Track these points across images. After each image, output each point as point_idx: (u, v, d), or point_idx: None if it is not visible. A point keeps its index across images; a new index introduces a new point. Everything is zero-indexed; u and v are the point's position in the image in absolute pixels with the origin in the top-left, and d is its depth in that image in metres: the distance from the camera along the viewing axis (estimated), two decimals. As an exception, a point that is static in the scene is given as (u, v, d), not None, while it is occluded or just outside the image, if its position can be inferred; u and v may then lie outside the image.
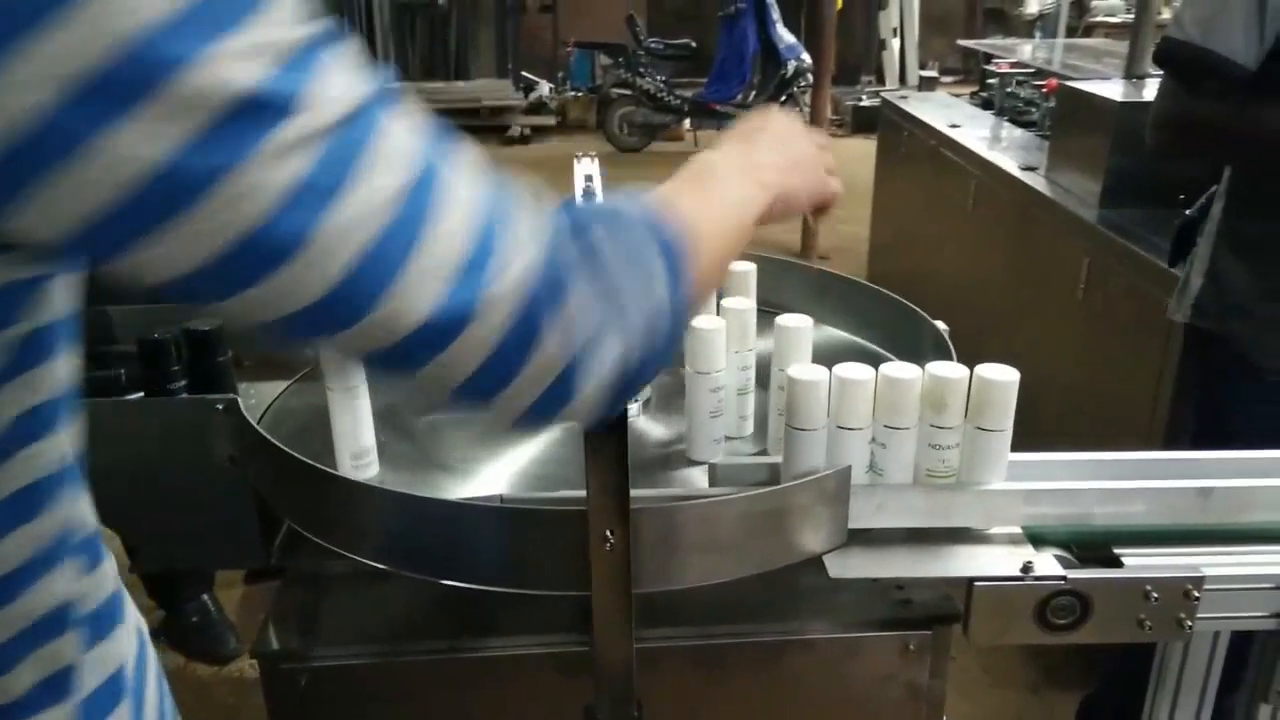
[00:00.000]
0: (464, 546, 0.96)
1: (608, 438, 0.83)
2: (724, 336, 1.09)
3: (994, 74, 4.23)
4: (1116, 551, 1.00)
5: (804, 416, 0.94)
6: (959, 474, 0.97)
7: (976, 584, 0.95)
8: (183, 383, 1.18)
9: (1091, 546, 1.00)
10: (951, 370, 0.93)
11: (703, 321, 1.09)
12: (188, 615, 2.38)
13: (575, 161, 1.57)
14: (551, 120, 9.16)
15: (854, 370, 0.93)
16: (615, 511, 0.86)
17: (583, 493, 0.92)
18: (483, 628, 1.09)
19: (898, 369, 0.93)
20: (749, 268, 1.33)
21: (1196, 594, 0.95)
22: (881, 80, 9.66)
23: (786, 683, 1.10)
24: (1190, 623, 0.96)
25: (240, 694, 2.26)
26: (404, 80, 9.41)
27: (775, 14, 7.90)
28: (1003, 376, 0.92)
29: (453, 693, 1.10)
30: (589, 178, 1.47)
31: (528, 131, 8.80)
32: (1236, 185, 1.62)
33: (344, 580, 1.16)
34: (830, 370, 0.94)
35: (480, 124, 8.86)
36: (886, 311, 1.44)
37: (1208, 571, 0.96)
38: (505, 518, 0.95)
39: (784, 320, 1.14)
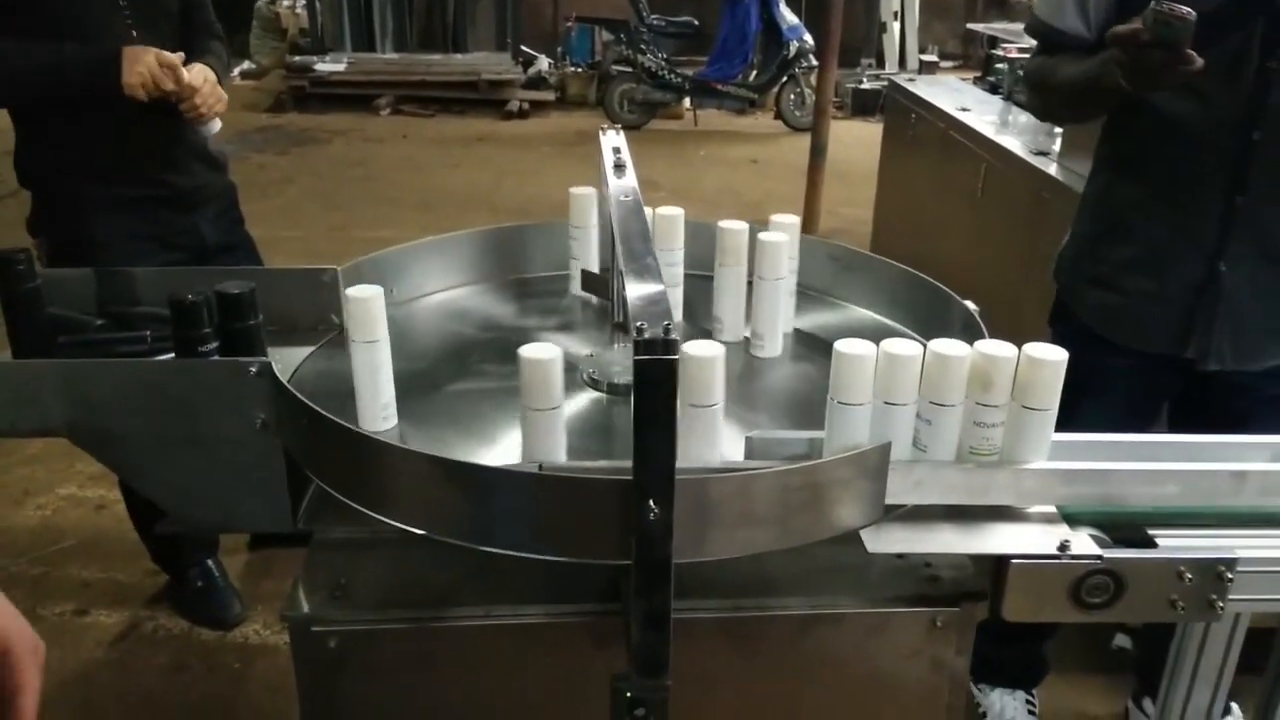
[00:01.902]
0: (501, 513, 0.96)
1: (657, 408, 0.83)
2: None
3: (1001, 58, 4.22)
4: (1150, 532, 1.01)
5: (849, 391, 0.94)
6: (1002, 452, 0.97)
7: (1013, 561, 0.96)
8: (214, 345, 1.17)
9: (1126, 527, 1.01)
10: (1000, 349, 0.93)
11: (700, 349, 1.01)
12: (191, 580, 2.38)
13: (601, 134, 1.57)
14: (551, 96, 9.09)
15: (901, 346, 0.93)
16: (661, 482, 0.86)
17: (617, 463, 0.93)
18: (514, 595, 1.09)
19: (947, 345, 0.93)
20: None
21: (1230, 575, 0.96)
22: (881, 64, 9.62)
23: (814, 656, 1.11)
24: (1222, 604, 0.97)
25: (246, 659, 2.26)
26: (401, 52, 9.32)
27: (779, -7, 7.87)
28: (1051, 356, 0.92)
29: (482, 659, 1.10)
30: (617, 150, 1.47)
31: (526, 106, 8.74)
32: (1095, 153, 1.78)
33: (372, 546, 1.16)
34: (877, 346, 0.94)
35: (478, 98, 8.80)
36: (913, 291, 1.45)
37: (1240, 554, 0.97)
38: (546, 485, 0.95)
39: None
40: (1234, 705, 2.03)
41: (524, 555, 0.96)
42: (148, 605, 2.42)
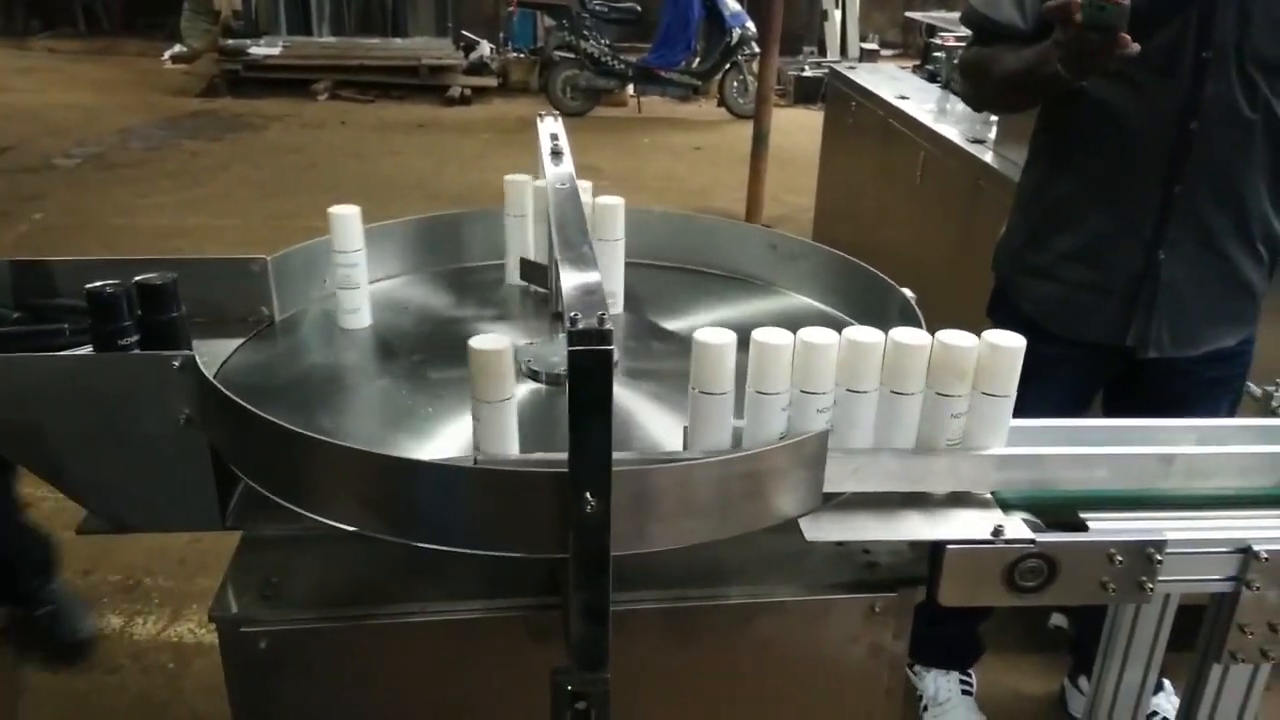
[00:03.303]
0: (437, 508, 0.94)
1: (592, 400, 0.82)
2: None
3: (939, 47, 4.26)
4: (1082, 516, 1.02)
5: (767, 381, 0.94)
6: (963, 439, 0.98)
7: (949, 547, 0.97)
8: (135, 338, 1.13)
9: (1058, 511, 1.03)
10: (963, 339, 0.93)
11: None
12: (40, 604, 2.22)
13: (539, 121, 1.55)
14: (493, 81, 9.00)
15: (819, 334, 0.93)
16: (597, 474, 0.85)
17: (554, 455, 0.91)
18: (450, 591, 1.07)
19: (908, 334, 0.94)
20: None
21: (1159, 557, 0.98)
22: (823, 51, 9.69)
23: (755, 644, 1.11)
24: (1151, 585, 0.99)
25: (181, 659, 2.21)
26: (339, 35, 9.19)
27: (721, -20, 7.87)
28: (1011, 343, 0.93)
29: (419, 657, 1.08)
30: (554, 136, 1.45)
31: (468, 92, 8.64)
32: (1029, 146, 1.81)
33: (303, 543, 1.14)
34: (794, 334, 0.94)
35: (419, 83, 8.68)
36: (851, 279, 1.45)
37: (1169, 535, 0.99)
38: (482, 479, 0.93)
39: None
40: (1166, 681, 2.09)
41: (460, 551, 0.94)
42: (77, 606, 2.34)
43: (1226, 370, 1.70)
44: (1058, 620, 2.36)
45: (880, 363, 0.95)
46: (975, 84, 1.81)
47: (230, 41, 8.72)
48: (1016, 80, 1.63)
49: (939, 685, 2.12)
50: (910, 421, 0.98)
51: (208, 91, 8.36)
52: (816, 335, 0.94)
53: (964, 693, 2.13)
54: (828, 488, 0.99)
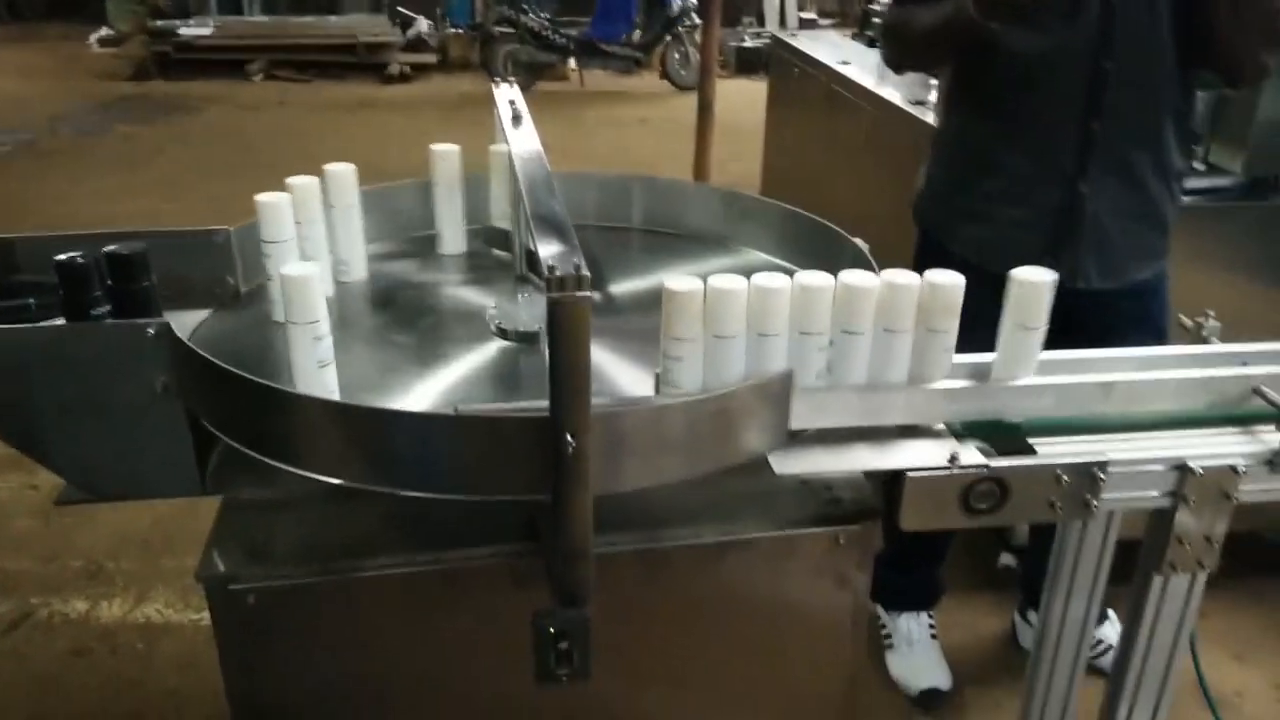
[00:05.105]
0: (421, 456, 0.98)
1: (571, 340, 0.85)
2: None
3: (877, 13, 4.32)
4: (1030, 441, 1.08)
5: (724, 324, 0.98)
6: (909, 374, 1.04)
7: (909, 475, 1.02)
8: (106, 308, 1.13)
9: (1008, 438, 1.09)
10: (907, 277, 0.99)
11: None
12: None
13: (494, 88, 1.57)
14: (432, 59, 8.91)
15: (773, 279, 0.98)
16: (577, 415, 0.89)
17: (531, 403, 0.95)
18: (433, 541, 1.11)
19: (856, 276, 0.99)
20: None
21: (1102, 476, 1.04)
22: (762, 22, 9.72)
23: (728, 581, 1.16)
24: (1096, 503, 1.06)
25: (150, 639, 2.21)
26: (271, 15, 8.97)
27: (659, -48, 7.86)
28: (950, 280, 0.98)
29: (404, 607, 1.12)
30: (512, 102, 1.48)
31: (408, 70, 8.54)
32: (944, 99, 1.91)
33: (284, 504, 1.16)
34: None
35: (356, 61, 8.56)
36: (804, 232, 1.50)
37: (1111, 456, 1.06)
38: (463, 426, 0.96)
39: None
40: (1111, 612, 2.19)
41: (445, 498, 0.97)
42: (40, 592, 2.33)
43: (1149, 304, 1.82)
44: (1006, 560, 2.46)
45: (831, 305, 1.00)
46: (896, 44, 1.88)
47: (159, 23, 8.51)
48: (934, 33, 1.70)
49: (910, 627, 2.23)
50: (865, 359, 1.03)
51: (138, 74, 8.16)
52: (771, 280, 0.98)
53: (931, 634, 2.24)
54: (794, 425, 1.04)
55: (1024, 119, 1.72)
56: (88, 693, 2.07)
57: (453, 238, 1.58)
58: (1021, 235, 1.76)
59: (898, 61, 1.96)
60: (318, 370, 1.09)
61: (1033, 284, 1.04)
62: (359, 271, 1.48)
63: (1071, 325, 1.85)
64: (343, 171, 1.45)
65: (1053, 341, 1.08)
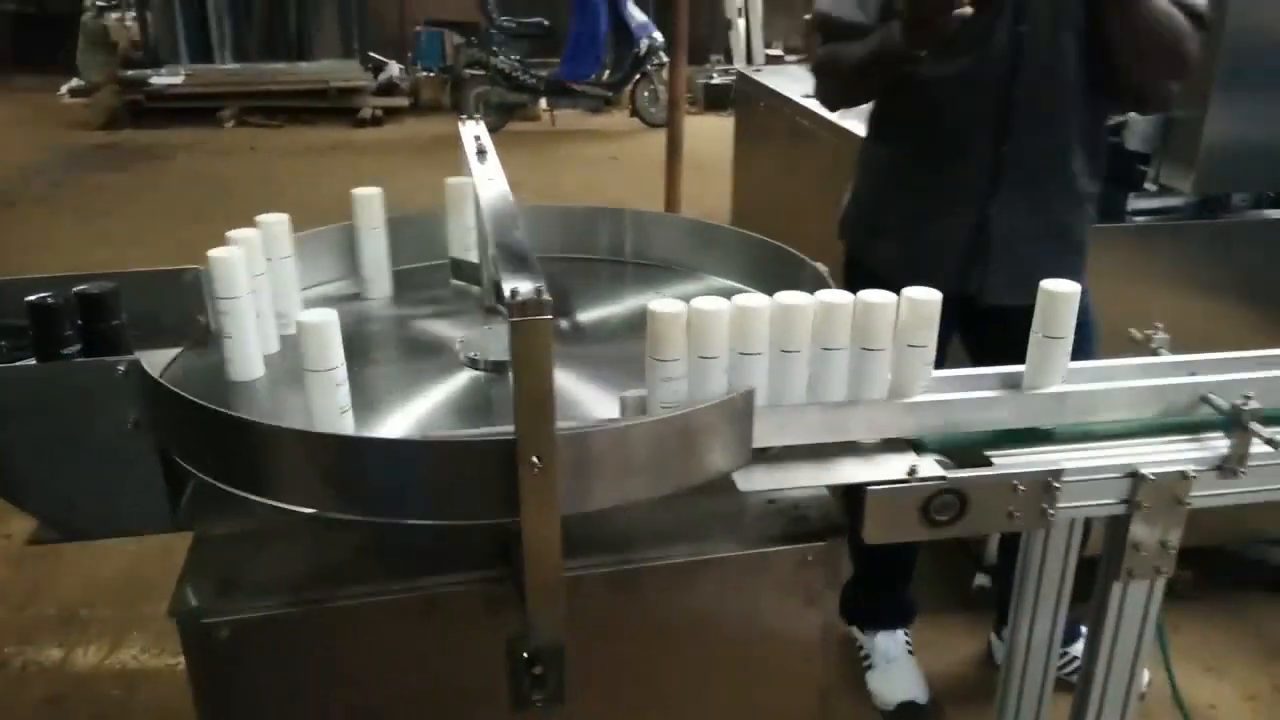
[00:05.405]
0: (391, 483, 0.99)
1: (534, 362, 0.88)
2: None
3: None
4: (987, 454, 1.11)
5: (708, 344, 1.01)
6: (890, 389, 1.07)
7: (869, 489, 1.05)
8: (77, 347, 1.15)
9: (966, 451, 1.12)
10: (883, 297, 1.02)
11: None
12: None
13: (460, 125, 1.60)
14: (404, 101, 8.98)
15: (753, 299, 1.01)
16: (542, 437, 0.91)
17: (500, 428, 0.97)
18: (404, 570, 1.12)
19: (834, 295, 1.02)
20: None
21: (1057, 485, 1.07)
22: (730, 59, 9.88)
23: (699, 600, 1.17)
24: (1052, 511, 1.08)
25: (128, 686, 2.19)
26: (242, 62, 8.96)
27: (626, -8, 7.99)
28: (928, 296, 1.03)
29: (377, 636, 1.12)
30: (478, 137, 1.51)
31: (380, 113, 8.60)
32: (868, 124, 1.98)
33: (256, 537, 1.16)
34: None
35: (328, 106, 8.61)
36: (766, 257, 1.53)
37: (1065, 465, 1.09)
38: (432, 451, 0.98)
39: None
40: (1083, 629, 2.21)
41: (416, 523, 0.99)
42: (14, 641, 2.30)
43: None
44: (981, 581, 2.49)
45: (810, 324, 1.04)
46: (828, 80, 1.95)
47: (130, 72, 8.54)
48: (864, 65, 1.77)
49: (887, 645, 2.26)
50: (842, 377, 1.06)
51: (109, 124, 8.17)
52: (751, 300, 1.02)
53: (908, 651, 2.27)
54: (757, 443, 1.06)
55: (939, 143, 1.81)
56: (63, 743, 2.05)
57: (379, 281, 1.57)
58: (936, 253, 1.84)
59: (832, 97, 2.02)
60: (339, 417, 1.08)
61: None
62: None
63: (988, 339, 1.93)
64: (275, 222, 1.41)
65: (975, 358, 1.13)
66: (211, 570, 1.12)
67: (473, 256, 1.58)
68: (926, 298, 1.04)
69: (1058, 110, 1.75)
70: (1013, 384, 1.14)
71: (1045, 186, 1.80)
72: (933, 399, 1.10)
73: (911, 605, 2.30)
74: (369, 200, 1.55)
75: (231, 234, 1.35)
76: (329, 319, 1.06)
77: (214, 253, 1.27)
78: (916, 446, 1.11)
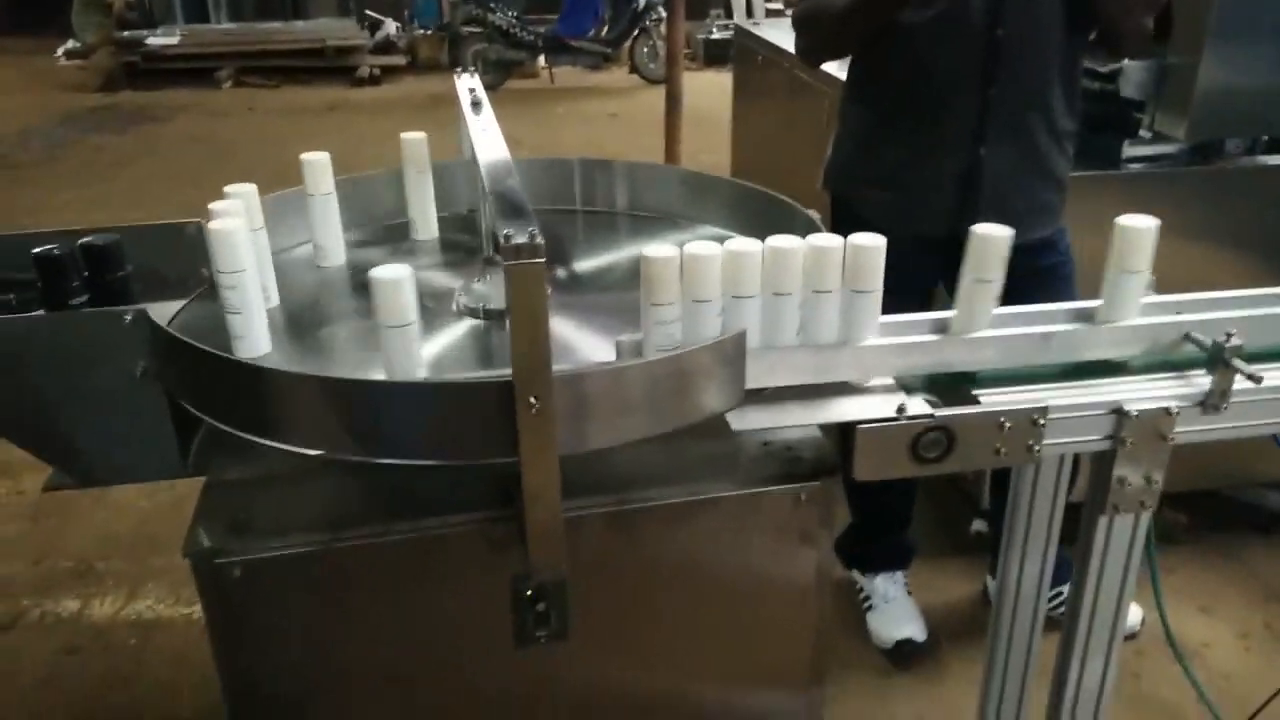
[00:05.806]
0: (395, 425, 1.02)
1: (529, 305, 0.90)
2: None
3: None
4: (974, 392, 1.14)
5: (701, 288, 1.03)
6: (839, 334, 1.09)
7: (859, 427, 1.08)
8: (84, 298, 1.17)
9: (953, 390, 1.14)
10: (830, 240, 1.04)
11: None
12: None
13: (456, 78, 1.61)
14: (402, 60, 8.92)
15: (743, 244, 1.03)
16: (539, 378, 0.94)
17: (492, 372, 0.99)
18: (410, 511, 1.15)
19: (785, 240, 1.04)
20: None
21: (1042, 421, 1.10)
22: (729, 14, 9.77)
23: (697, 540, 1.21)
24: (1038, 447, 1.11)
25: (143, 634, 2.24)
26: (238, 22, 8.93)
27: (623, -53, 7.90)
28: (872, 242, 1.04)
29: (385, 576, 1.16)
30: (472, 89, 1.52)
31: (377, 72, 8.55)
32: (849, 74, 2.00)
33: (266, 481, 1.20)
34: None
35: (325, 65, 8.56)
36: (758, 205, 1.55)
37: (1051, 403, 1.11)
38: (436, 393, 1.01)
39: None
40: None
41: (419, 463, 1.02)
42: (31, 594, 2.36)
43: (1054, 258, 1.93)
44: (978, 526, 2.53)
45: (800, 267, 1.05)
46: (809, 32, 1.94)
47: (126, 33, 8.48)
48: (847, 13, 1.77)
49: (886, 587, 2.31)
50: (834, 319, 1.08)
51: (106, 85, 8.14)
52: (743, 244, 1.04)
53: (906, 592, 2.33)
54: (750, 384, 1.09)
55: (926, 90, 1.82)
56: (82, 690, 2.10)
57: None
58: (927, 196, 1.86)
59: (813, 50, 2.01)
60: (415, 372, 1.08)
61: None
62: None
63: None
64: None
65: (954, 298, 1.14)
66: (223, 513, 1.15)
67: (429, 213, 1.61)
68: (874, 243, 1.05)
69: (1041, 50, 1.77)
70: (1005, 324, 1.16)
71: (1030, 126, 1.83)
72: (922, 339, 1.12)
73: (910, 548, 2.35)
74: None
75: (229, 189, 1.37)
76: (402, 274, 1.03)
77: (214, 225, 1.19)
78: (905, 388, 1.14)
